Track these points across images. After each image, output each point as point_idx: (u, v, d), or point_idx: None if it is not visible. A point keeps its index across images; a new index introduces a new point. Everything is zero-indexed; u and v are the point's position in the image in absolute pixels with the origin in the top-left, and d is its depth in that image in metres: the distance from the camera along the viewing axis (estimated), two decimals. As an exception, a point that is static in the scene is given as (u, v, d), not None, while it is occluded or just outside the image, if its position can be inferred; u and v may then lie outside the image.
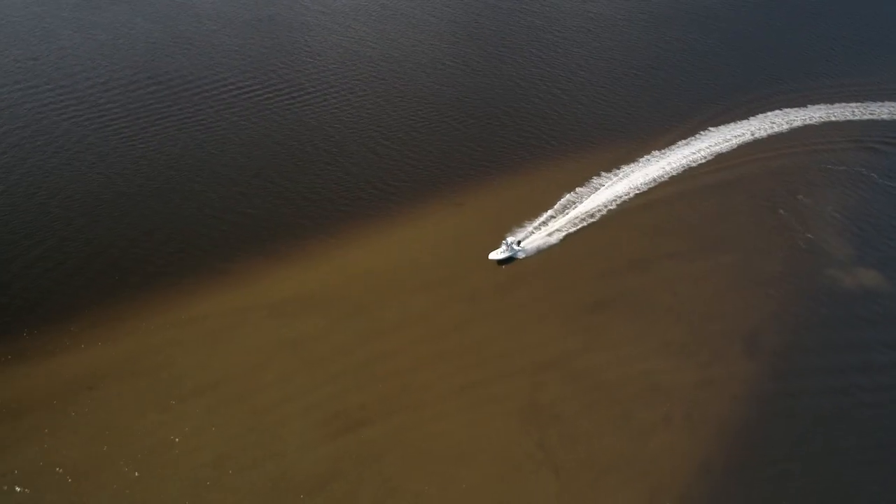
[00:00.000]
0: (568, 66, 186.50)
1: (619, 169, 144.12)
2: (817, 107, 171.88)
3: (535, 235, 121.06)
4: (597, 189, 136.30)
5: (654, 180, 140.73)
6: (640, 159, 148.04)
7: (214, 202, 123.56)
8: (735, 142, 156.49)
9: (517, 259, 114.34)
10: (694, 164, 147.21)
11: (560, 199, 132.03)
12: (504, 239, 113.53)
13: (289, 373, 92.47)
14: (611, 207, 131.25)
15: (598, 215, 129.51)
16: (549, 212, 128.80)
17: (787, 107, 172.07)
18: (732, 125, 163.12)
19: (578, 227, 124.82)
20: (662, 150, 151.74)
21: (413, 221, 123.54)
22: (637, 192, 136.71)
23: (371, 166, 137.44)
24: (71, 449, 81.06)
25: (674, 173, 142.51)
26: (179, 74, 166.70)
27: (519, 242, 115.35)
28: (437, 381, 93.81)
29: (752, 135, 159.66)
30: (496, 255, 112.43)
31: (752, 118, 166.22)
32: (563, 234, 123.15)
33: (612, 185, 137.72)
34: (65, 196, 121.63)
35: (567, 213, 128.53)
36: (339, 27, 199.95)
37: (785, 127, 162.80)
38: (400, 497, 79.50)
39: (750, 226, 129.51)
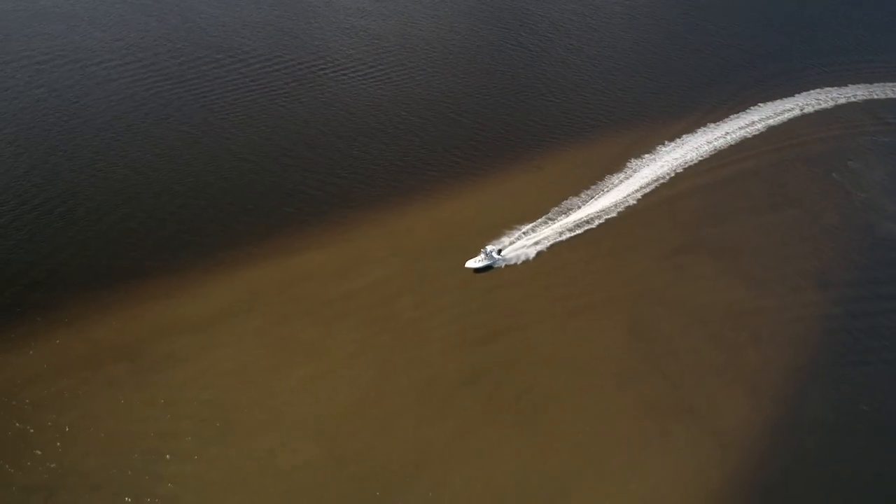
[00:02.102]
0: (618, 49, 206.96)
1: (680, 139, 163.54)
2: (857, 86, 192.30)
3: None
4: (660, 156, 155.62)
5: (716, 148, 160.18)
6: (698, 130, 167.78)
7: (330, 162, 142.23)
8: (785, 116, 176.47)
9: (497, 268, 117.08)
10: (749, 136, 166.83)
11: (627, 163, 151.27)
12: (483, 248, 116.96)
13: (423, 299, 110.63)
14: (678, 171, 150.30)
15: (667, 178, 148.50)
16: (620, 175, 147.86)
17: (828, 86, 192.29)
18: (780, 101, 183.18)
19: (652, 186, 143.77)
20: (716, 123, 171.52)
21: (500, 182, 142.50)
22: (700, 158, 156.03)
23: (453, 135, 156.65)
24: (256, 356, 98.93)
25: (732, 143, 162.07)
26: (257, 53, 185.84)
27: (499, 251, 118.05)
28: (549, 306, 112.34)
29: (801, 110, 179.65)
30: (473, 263, 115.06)
31: (797, 95, 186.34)
32: (640, 193, 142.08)
33: (672, 151, 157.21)
34: (208, 160, 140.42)
35: (637, 175, 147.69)
36: (394, 13, 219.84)
37: (830, 104, 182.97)
38: (538, 391, 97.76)
39: (808, 187, 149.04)
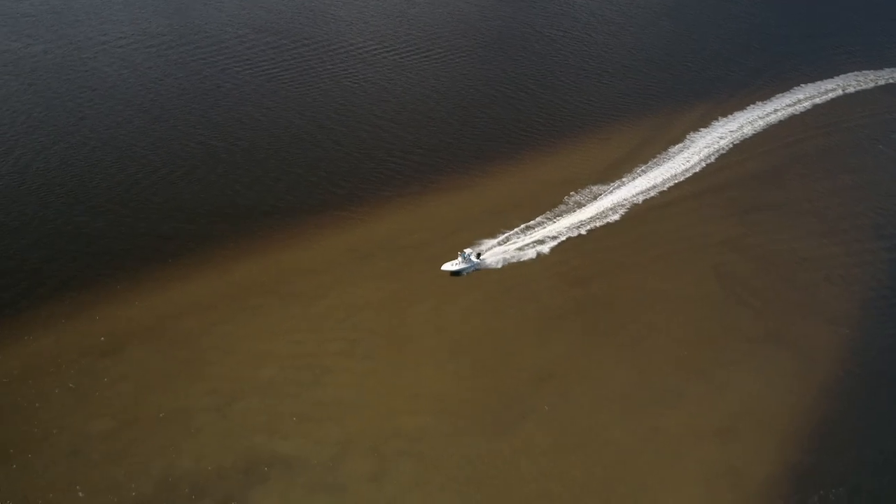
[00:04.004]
0: (662, 37, 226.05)
1: (731, 115, 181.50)
2: (893, 69, 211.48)
3: (661, 168, 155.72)
4: (714, 129, 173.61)
5: (768, 124, 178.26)
6: (748, 107, 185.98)
7: (416, 134, 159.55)
8: (829, 96, 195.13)
9: (476, 270, 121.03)
10: (796, 113, 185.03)
11: (687, 135, 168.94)
12: (462, 251, 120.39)
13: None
14: (735, 142, 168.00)
15: (726, 148, 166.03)
16: (679, 145, 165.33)
17: (865, 69, 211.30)
18: (820, 82, 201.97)
19: (712, 157, 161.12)
20: (764, 101, 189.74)
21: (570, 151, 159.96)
22: (755, 131, 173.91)
23: (522, 111, 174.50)
24: (383, 293, 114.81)
25: (777, 121, 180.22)
26: (316, 37, 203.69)
27: (479, 255, 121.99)
28: (636, 255, 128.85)
29: (843, 90, 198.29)
30: (450, 266, 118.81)
31: (837, 76, 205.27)
32: (704, 163, 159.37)
33: (728, 124, 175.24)
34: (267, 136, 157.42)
35: (696, 146, 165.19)
36: (440, 2, 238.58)
37: (870, 84, 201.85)
38: (633, 325, 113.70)
39: (857, 155, 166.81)
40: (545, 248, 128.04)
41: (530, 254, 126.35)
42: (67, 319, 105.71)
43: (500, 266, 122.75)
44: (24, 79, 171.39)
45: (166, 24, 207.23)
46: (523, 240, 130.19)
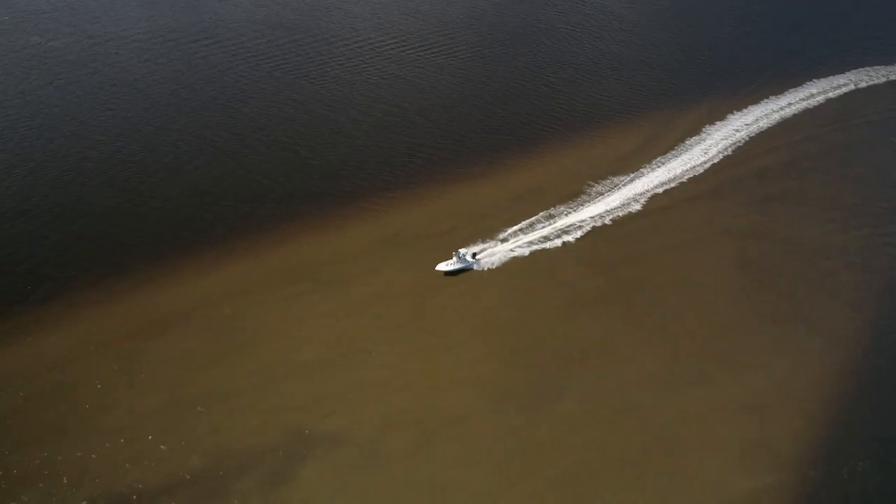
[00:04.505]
0: (674, 33, 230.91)
1: (745, 109, 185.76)
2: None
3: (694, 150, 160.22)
4: (730, 122, 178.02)
5: (782, 117, 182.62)
6: (761, 101, 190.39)
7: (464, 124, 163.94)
8: (841, 90, 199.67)
9: (471, 270, 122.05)
10: (810, 107, 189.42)
11: (703, 127, 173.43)
12: (456, 251, 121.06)
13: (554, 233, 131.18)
14: (751, 135, 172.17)
15: (742, 140, 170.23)
16: (696, 138, 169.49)
17: (876, 65, 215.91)
18: (832, 77, 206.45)
19: (729, 150, 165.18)
20: (777, 95, 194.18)
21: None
22: (770, 124, 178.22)
23: (541, 105, 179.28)
24: (413, 278, 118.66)
25: (791, 115, 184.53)
26: (333, 34, 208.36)
27: (474, 255, 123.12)
28: (660, 242, 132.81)
29: (855, 86, 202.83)
30: (444, 266, 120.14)
31: (848, 72, 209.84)
32: (722, 155, 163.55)
33: (743, 117, 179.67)
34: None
35: (712, 138, 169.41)
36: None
37: (882, 80, 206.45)
38: (661, 309, 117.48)
39: (872, 148, 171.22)
40: (571, 237, 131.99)
41: (556, 242, 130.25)
42: (112, 305, 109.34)
43: (495, 266, 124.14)
44: (47, 73, 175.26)
45: (183, 21, 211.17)
46: (548, 228, 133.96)
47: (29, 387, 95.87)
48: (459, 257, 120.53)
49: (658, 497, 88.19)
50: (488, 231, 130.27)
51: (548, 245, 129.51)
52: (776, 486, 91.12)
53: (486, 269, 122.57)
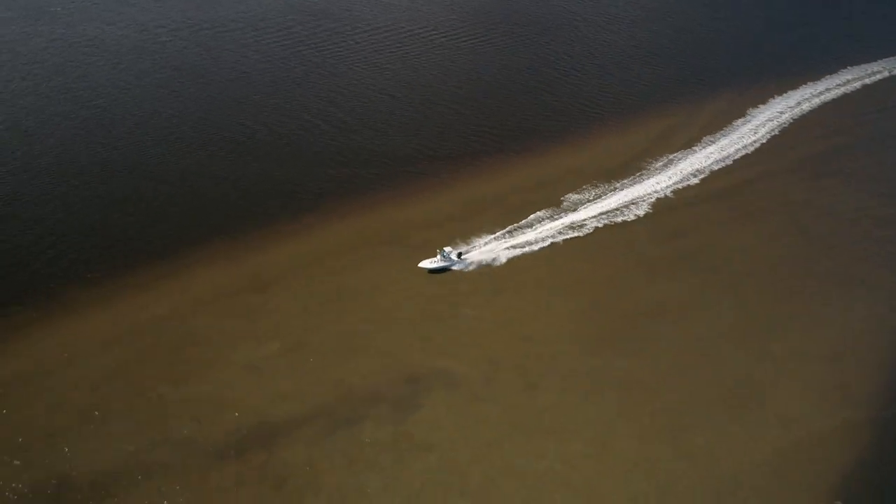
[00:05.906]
0: (706, 24, 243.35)
1: (786, 93, 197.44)
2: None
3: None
4: (772, 105, 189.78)
5: (822, 101, 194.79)
6: (800, 87, 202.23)
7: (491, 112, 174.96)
8: (877, 77, 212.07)
9: (454, 269, 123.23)
10: (848, 92, 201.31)
11: (747, 110, 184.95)
12: (441, 249, 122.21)
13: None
14: (795, 117, 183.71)
15: (787, 123, 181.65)
16: (741, 119, 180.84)
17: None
18: (866, 65, 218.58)
19: (775, 131, 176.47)
20: (815, 81, 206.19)
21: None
22: (812, 108, 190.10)
23: (581, 88, 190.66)
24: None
25: (830, 99, 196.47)
26: (370, 22, 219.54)
27: (460, 254, 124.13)
28: (721, 213, 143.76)
29: (890, 72, 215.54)
30: (427, 263, 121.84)
31: (881, 60, 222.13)
32: (769, 135, 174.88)
33: (785, 100, 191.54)
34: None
35: (756, 120, 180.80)
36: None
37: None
38: (730, 269, 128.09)
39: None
40: (639, 210, 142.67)
41: (625, 214, 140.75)
42: (220, 263, 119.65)
43: (485, 264, 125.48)
44: (109, 57, 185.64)
45: (232, 11, 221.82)
46: (612, 202, 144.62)
47: (179, 328, 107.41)
48: (444, 255, 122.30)
49: (750, 429, 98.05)
50: (553, 199, 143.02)
51: (616, 217, 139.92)
52: (853, 422, 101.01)
53: (469, 269, 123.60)
